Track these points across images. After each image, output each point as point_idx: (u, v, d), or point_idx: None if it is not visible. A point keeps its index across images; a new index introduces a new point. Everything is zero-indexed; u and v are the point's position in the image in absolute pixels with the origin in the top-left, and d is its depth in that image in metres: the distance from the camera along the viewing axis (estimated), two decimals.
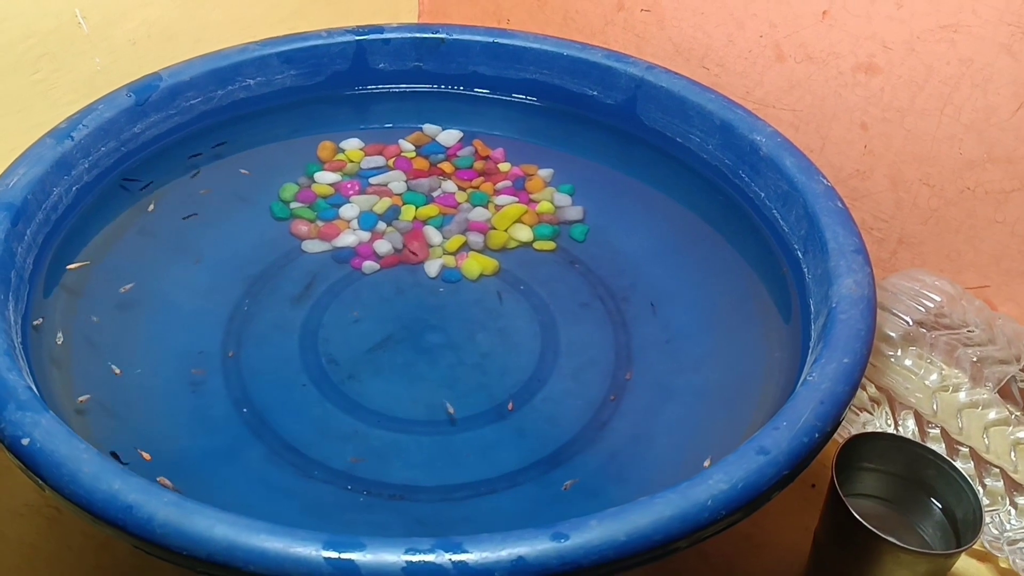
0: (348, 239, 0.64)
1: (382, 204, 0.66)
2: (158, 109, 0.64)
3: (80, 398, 0.50)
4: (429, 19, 0.89)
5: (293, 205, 0.66)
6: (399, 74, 0.73)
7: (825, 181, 0.58)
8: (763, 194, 0.62)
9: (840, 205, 0.56)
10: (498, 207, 0.67)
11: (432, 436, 0.53)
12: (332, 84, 0.72)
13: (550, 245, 0.65)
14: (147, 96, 0.63)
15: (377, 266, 0.62)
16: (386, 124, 0.73)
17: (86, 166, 0.60)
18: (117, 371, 0.53)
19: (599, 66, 0.71)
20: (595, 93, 0.71)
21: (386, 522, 0.48)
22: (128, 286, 0.58)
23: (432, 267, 0.63)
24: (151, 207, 0.63)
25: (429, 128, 0.72)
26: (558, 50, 0.71)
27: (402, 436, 0.53)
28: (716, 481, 0.38)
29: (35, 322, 0.52)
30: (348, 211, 0.66)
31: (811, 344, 0.50)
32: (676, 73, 0.68)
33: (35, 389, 0.44)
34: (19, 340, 0.47)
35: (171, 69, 0.65)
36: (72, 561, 0.55)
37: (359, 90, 0.73)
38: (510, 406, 0.54)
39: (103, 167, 0.61)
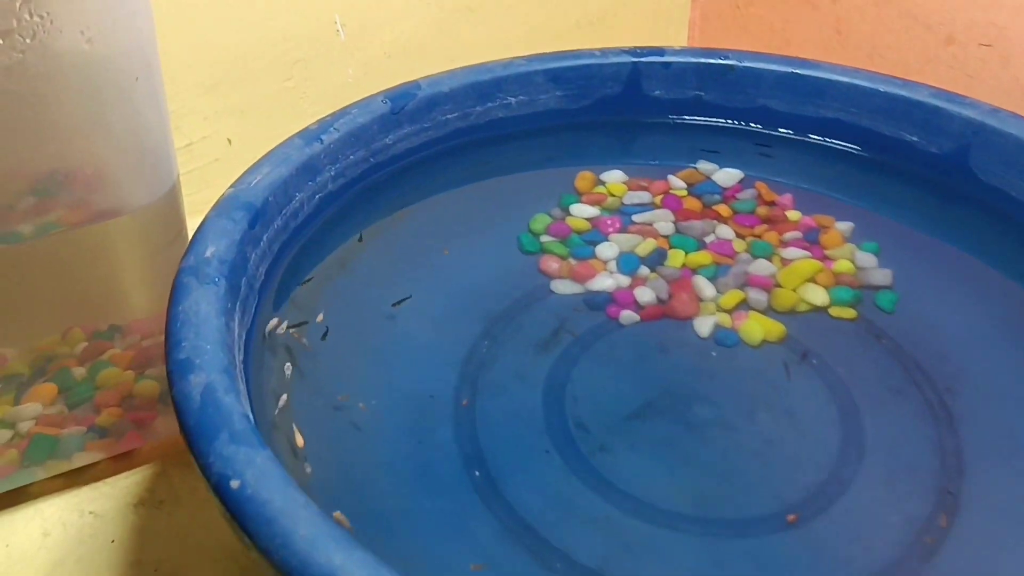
0: (605, 282, 0.55)
1: (646, 246, 0.57)
2: (413, 120, 0.58)
3: (297, 439, 0.42)
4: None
5: (544, 239, 0.58)
6: (675, 103, 0.64)
7: None
8: None
9: None
10: (785, 261, 0.56)
11: (702, 537, 0.42)
12: (599, 109, 0.64)
13: (850, 312, 0.53)
14: (403, 105, 0.57)
15: (637, 317, 0.53)
16: (652, 160, 0.64)
17: (332, 174, 0.54)
18: (343, 400, 0.45)
19: (925, 106, 0.58)
20: (915, 139, 0.59)
21: None
22: (359, 311, 0.51)
23: (703, 325, 0.53)
24: (393, 225, 0.56)
25: (704, 166, 0.63)
26: (872, 86, 0.60)
27: (664, 532, 0.42)
28: None
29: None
30: (606, 250, 0.57)
31: None
32: None
33: (251, 417, 0.36)
34: (241, 359, 0.40)
35: (430, 79, 0.59)
36: None
37: (627, 118, 0.65)
38: (791, 518, 0.42)
39: (349, 177, 0.56)
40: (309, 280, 0.52)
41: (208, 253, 0.44)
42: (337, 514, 0.40)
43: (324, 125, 0.54)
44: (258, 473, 0.32)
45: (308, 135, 0.54)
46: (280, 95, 0.72)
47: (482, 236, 0.59)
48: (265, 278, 0.49)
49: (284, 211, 0.51)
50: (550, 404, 0.48)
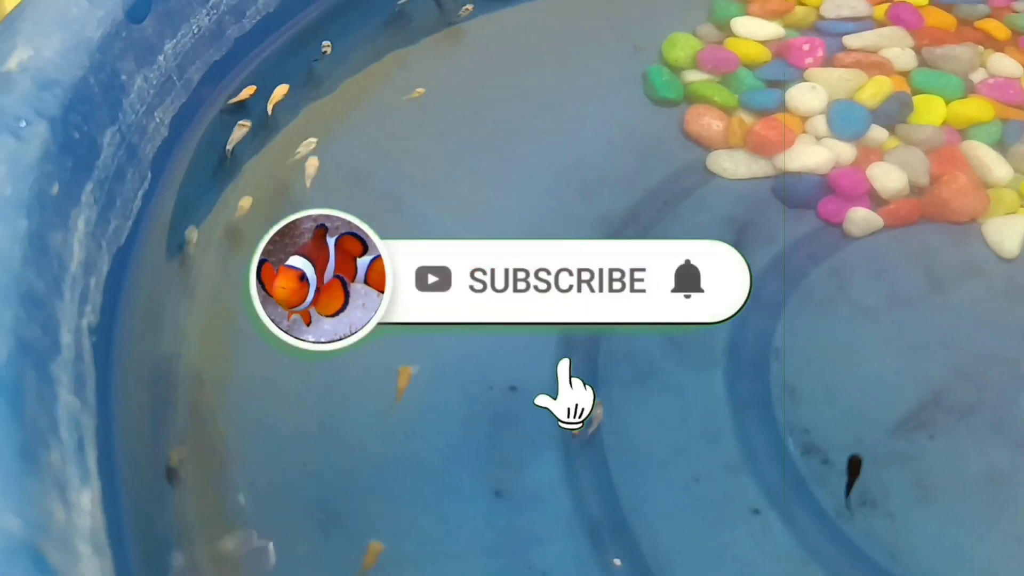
0: (810, 155, 0.38)
1: (874, 88, 0.40)
2: None
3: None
4: None
5: (690, 76, 0.41)
6: None
7: None
8: None
9: None
10: None
11: None
12: None
13: None
14: None
15: (878, 220, 0.36)
16: None
17: None
18: None
19: None
20: None
21: None
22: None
23: (1004, 234, 0.36)
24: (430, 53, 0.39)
25: None
26: None
27: None
28: None
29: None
30: (804, 96, 0.40)
31: None
32: None
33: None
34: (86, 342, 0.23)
35: None
36: None
37: None
38: None
39: None
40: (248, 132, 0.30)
41: (11, 63, 0.23)
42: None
43: None
44: None
45: None
46: None
47: (584, 71, 0.40)
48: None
49: None
50: (743, 403, 0.29)
